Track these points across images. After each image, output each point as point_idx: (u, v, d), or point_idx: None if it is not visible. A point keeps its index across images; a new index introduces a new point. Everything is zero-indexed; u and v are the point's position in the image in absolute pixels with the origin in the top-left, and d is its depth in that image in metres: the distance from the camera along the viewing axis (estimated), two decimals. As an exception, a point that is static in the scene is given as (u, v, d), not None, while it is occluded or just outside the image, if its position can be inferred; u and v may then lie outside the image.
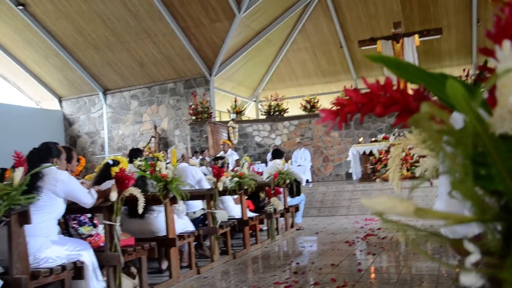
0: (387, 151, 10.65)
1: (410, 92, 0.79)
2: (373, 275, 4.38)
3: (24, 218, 3.02)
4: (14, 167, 3.21)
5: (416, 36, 13.11)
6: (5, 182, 3.04)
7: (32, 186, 3.24)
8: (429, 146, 0.64)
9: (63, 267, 3.26)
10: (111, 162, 4.19)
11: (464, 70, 12.95)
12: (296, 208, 7.97)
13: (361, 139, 12.59)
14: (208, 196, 5.37)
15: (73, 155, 4.05)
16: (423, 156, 1.60)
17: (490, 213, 0.57)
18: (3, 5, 13.98)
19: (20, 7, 13.97)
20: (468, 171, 0.58)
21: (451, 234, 0.84)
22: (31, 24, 14.53)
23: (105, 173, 4.10)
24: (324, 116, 0.78)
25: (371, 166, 11.21)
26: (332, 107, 0.78)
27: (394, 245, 5.84)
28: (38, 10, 14.21)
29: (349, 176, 13.07)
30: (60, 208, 3.45)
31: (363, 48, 14.21)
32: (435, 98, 0.78)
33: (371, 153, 11.32)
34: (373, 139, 12.05)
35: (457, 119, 0.71)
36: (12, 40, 15.49)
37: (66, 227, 4.01)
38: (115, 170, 3.81)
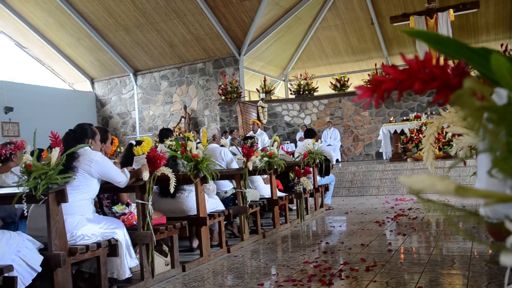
0: (419, 130, 10.45)
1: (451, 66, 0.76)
2: (403, 256, 4.34)
3: (61, 196, 3.10)
4: (50, 148, 3.29)
5: (451, 10, 12.67)
6: (42, 162, 3.12)
7: (68, 166, 3.32)
8: (470, 124, 0.62)
9: (98, 245, 3.35)
10: (134, 142, 4.25)
11: (502, 45, 12.50)
12: (326, 188, 7.95)
13: (392, 118, 12.37)
14: (238, 175, 5.40)
15: (108, 136, 4.13)
16: (459, 135, 1.55)
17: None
18: (36, -12, 14.23)
19: (53, -10, 14.19)
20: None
21: (491, 214, 0.81)
22: (64, 7, 14.74)
23: (129, 154, 4.17)
24: (360, 93, 0.76)
25: (402, 146, 11.03)
26: (367, 84, 0.76)
27: (424, 226, 5.77)
28: (69, -8, 14.39)
29: (379, 155, 12.92)
30: (94, 188, 3.53)
31: (395, 24, 13.87)
32: (475, 73, 0.74)
33: (402, 132, 11.13)
34: (405, 118, 11.83)
35: (501, 95, 0.68)
36: (46, 23, 15.78)
37: (100, 205, 4.11)
38: (137, 150, 3.87)
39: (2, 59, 17.74)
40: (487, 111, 0.58)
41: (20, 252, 2.91)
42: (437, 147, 10.13)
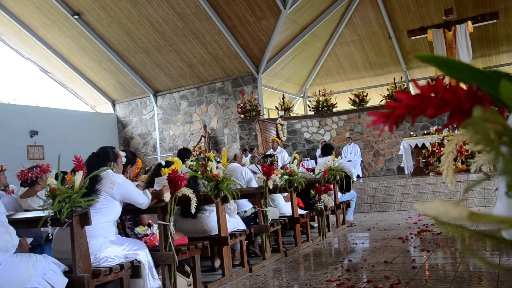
0: (441, 144, 10.32)
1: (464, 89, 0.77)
2: (428, 273, 4.26)
3: (85, 219, 3.16)
4: (74, 171, 3.36)
5: (470, 22, 12.56)
6: (66, 185, 3.19)
7: (91, 189, 3.38)
8: (484, 148, 0.63)
9: (121, 266, 3.38)
10: (163, 163, 4.31)
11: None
12: (347, 204, 7.88)
13: (412, 132, 12.25)
14: (259, 194, 5.41)
15: (136, 160, 4.22)
16: (478, 152, 1.54)
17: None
18: (60, 16, 14.67)
19: (76, 17, 14.61)
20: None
21: (508, 236, 0.81)
22: (86, 32, 15.15)
23: (156, 174, 4.22)
24: (375, 119, 0.77)
25: (424, 160, 10.90)
26: (386, 99, 0.77)
27: (449, 241, 5.66)
28: (91, 18, 14.79)
29: (400, 170, 12.78)
30: (117, 210, 3.58)
31: (412, 38, 13.83)
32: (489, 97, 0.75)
33: (423, 146, 11.01)
34: (425, 131, 11.70)
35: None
36: (69, 49, 16.21)
37: (123, 227, 4.16)
38: (165, 171, 3.91)
39: (28, 85, 18.26)
40: (499, 135, 0.58)
41: (46, 275, 2.96)
42: (460, 160, 9.98)
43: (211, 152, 13.40)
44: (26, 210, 4.05)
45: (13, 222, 3.01)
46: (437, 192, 9.34)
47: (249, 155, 13.03)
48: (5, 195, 4.04)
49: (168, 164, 4.20)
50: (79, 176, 3.17)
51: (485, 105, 0.70)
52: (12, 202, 3.94)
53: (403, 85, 13.80)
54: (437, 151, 10.37)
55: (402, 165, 12.04)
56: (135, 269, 3.49)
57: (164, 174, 3.91)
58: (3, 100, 25.45)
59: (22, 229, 3.53)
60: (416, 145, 11.13)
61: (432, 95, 0.73)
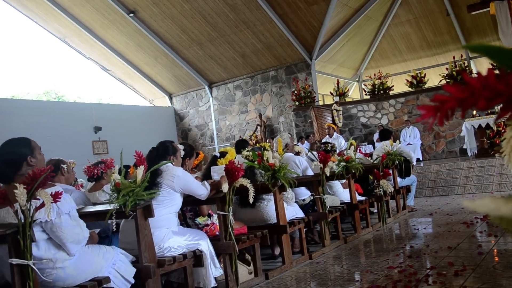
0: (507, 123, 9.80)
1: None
2: (496, 259, 4.10)
3: (148, 211, 3.30)
4: (136, 165, 3.52)
5: (538, -10, 11.76)
6: (129, 180, 3.34)
7: (153, 182, 3.53)
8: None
9: (184, 256, 3.52)
10: (218, 155, 4.40)
11: None
12: (408, 189, 7.70)
13: (475, 112, 11.71)
14: (316, 182, 5.40)
15: (193, 153, 4.36)
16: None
17: None
18: (117, 15, 15.20)
19: (131, 15, 15.08)
20: None
21: None
22: (141, 29, 15.61)
23: (213, 166, 4.33)
24: (424, 113, 0.77)
25: (489, 140, 10.40)
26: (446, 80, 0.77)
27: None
28: (146, 15, 15.21)
29: (463, 152, 12.27)
30: (178, 202, 3.72)
31: (473, 13, 13.15)
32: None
33: (487, 126, 10.50)
34: (489, 111, 11.14)
35: None
36: (126, 46, 16.79)
37: (184, 218, 4.31)
38: (221, 162, 4.00)
39: (90, 83, 19.15)
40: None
41: (115, 265, 3.13)
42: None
43: (267, 141, 13.48)
44: (94, 204, 4.27)
45: (83, 216, 3.20)
46: (504, 174, 8.91)
47: (306, 142, 13.00)
48: (75, 190, 4.29)
49: (223, 154, 4.29)
50: (140, 171, 3.32)
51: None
52: (81, 196, 4.18)
53: (464, 63, 13.16)
54: (503, 130, 9.87)
55: (464, 147, 11.56)
56: (197, 258, 3.62)
57: (220, 164, 4.01)
58: (69, 98, 26.81)
59: (91, 222, 3.73)
60: (480, 126, 10.63)
61: (483, 86, 0.72)
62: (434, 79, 15.34)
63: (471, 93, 0.73)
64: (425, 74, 13.98)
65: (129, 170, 3.96)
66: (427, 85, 13.96)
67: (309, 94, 14.66)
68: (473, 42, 0.67)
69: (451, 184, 9.54)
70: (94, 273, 2.98)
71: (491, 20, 14.53)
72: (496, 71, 0.74)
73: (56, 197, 2.56)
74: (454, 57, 13.33)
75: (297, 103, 14.84)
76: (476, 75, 0.73)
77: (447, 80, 12.79)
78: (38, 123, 13.79)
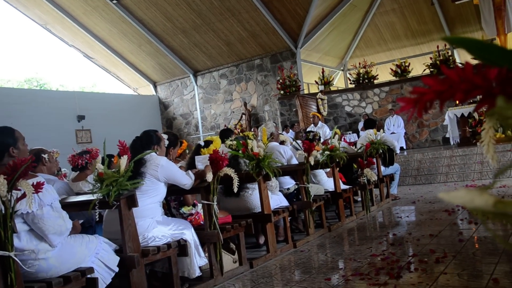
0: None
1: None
2: (476, 245, 4.19)
3: (132, 201, 3.29)
4: (119, 155, 3.49)
5: (522, -21, 11.84)
6: (112, 170, 3.32)
7: (136, 172, 3.51)
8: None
9: (168, 245, 3.52)
10: (202, 143, 4.39)
11: None
12: (391, 177, 7.78)
13: (458, 101, 11.82)
14: (300, 171, 5.43)
15: (177, 142, 4.33)
16: None
17: None
18: (100, 2, 14.97)
19: (114, 1, 14.86)
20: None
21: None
22: (125, 16, 15.40)
23: (197, 155, 4.32)
24: (403, 105, 0.77)
25: (471, 129, 10.55)
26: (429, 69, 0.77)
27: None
28: (130, 2, 15.00)
29: (446, 141, 12.42)
30: (162, 191, 3.71)
31: (457, 2, 13.21)
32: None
33: (470, 115, 10.63)
34: (472, 100, 11.27)
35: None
36: (109, 33, 16.56)
37: (169, 207, 4.30)
38: (205, 151, 4.00)
39: (73, 71, 18.88)
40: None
41: (98, 254, 3.12)
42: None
43: (252, 129, 13.47)
44: (78, 193, 4.24)
45: (66, 206, 3.17)
46: (485, 163, 9.05)
47: (291, 131, 13.03)
48: (58, 180, 4.24)
49: (207, 143, 4.28)
50: (124, 160, 3.29)
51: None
52: (64, 186, 4.14)
53: (447, 52, 13.27)
54: (484, 120, 9.98)
55: (447, 135, 11.71)
56: (182, 248, 3.62)
57: (204, 154, 4.00)
58: (52, 87, 26.42)
59: (75, 212, 3.71)
60: (462, 115, 10.76)
61: (461, 79, 0.73)
62: (418, 68, 15.46)
63: (449, 85, 0.73)
64: (409, 64, 14.08)
65: (112, 159, 3.93)
66: (411, 74, 14.07)
67: (294, 82, 14.66)
68: (451, 35, 0.68)
69: (433, 172, 9.67)
70: (77, 263, 2.97)
71: (474, 10, 14.65)
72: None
73: (37, 187, 2.53)
74: (438, 47, 13.43)
75: (282, 92, 14.83)
76: (454, 67, 0.74)
77: (431, 70, 12.89)
78: (20, 111, 13.58)
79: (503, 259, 3.60)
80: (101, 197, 3.23)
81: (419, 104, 0.76)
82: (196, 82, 17.99)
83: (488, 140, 1.59)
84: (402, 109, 0.78)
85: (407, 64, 13.93)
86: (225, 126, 16.05)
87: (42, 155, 4.05)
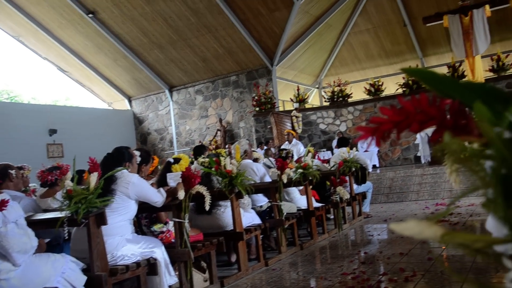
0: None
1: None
2: (446, 264, 4.25)
3: (101, 219, 3.23)
4: (90, 172, 3.44)
5: (487, 6, 12.24)
6: (82, 187, 3.27)
7: (107, 189, 3.46)
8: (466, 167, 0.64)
9: (137, 264, 3.46)
10: (172, 160, 4.37)
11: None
12: (363, 196, 7.86)
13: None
14: (273, 188, 5.44)
15: (150, 159, 4.29)
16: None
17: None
18: (75, 15, 14.85)
19: (90, 15, 14.76)
20: (498, 192, 0.58)
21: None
22: (100, 30, 15.31)
23: (167, 172, 4.29)
24: (362, 134, 0.79)
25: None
26: (368, 125, 0.79)
27: (467, 231, 5.62)
28: (106, 16, 14.92)
29: (418, 159, 12.66)
30: (132, 209, 3.66)
31: (428, 25, 13.61)
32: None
33: (441, 135, 10.85)
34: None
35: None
36: (84, 47, 16.41)
37: (139, 225, 4.24)
38: (175, 168, 3.97)
39: (46, 84, 18.58)
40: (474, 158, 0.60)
41: (64, 273, 3.04)
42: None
43: (226, 146, 13.46)
44: (46, 210, 4.15)
45: (32, 223, 3.10)
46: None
47: (265, 147, 13.05)
48: (25, 197, 4.14)
49: (177, 160, 4.26)
50: (94, 177, 3.24)
51: (469, 120, 0.71)
52: (31, 203, 4.04)
53: (419, 73, 13.56)
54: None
55: (418, 154, 11.93)
56: (151, 266, 3.57)
57: (175, 170, 3.97)
58: (23, 99, 25.92)
59: (42, 230, 3.62)
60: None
61: (417, 110, 0.75)
62: (391, 87, 15.77)
63: (405, 116, 0.76)
64: (382, 83, 14.34)
65: (83, 175, 3.87)
66: (384, 93, 14.33)
67: (269, 100, 14.75)
68: (409, 67, 0.70)
69: (405, 190, 9.81)
70: (42, 283, 2.89)
71: (445, 32, 15.09)
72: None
73: (2, 205, 2.47)
74: (410, 66, 13.67)
75: (257, 109, 14.89)
76: (410, 99, 0.76)
77: (404, 89, 13.17)
78: (-11, 124, 13.26)
79: (469, 277, 3.66)
80: (70, 215, 3.16)
81: (377, 133, 0.78)
82: (171, 98, 17.92)
83: (451, 169, 1.62)
84: (360, 138, 0.80)
85: (380, 83, 14.19)
86: (199, 142, 15.98)
87: (9, 171, 3.96)
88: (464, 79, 12.56)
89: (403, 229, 0.58)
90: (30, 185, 6.42)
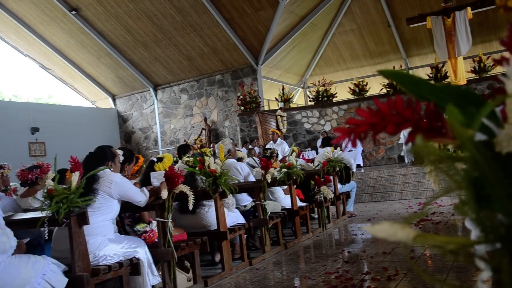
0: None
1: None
2: (429, 262, 4.30)
3: (83, 219, 3.20)
4: (72, 171, 3.40)
5: (469, 8, 12.47)
6: (63, 186, 3.23)
7: (89, 188, 3.42)
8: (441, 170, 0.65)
9: (120, 264, 3.43)
10: (155, 159, 4.35)
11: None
12: (347, 195, 7.91)
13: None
14: (257, 188, 5.44)
15: (133, 158, 4.26)
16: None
17: (493, 236, 0.58)
18: (58, 12, 14.65)
19: (73, 12, 14.58)
20: (470, 194, 0.59)
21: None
22: (84, 27, 15.14)
23: (150, 171, 4.27)
24: (339, 136, 0.80)
25: (425, 149, 10.87)
26: (346, 126, 0.80)
27: (450, 230, 5.70)
28: (89, 13, 14.76)
29: (402, 159, 12.79)
30: (115, 209, 3.63)
31: (411, 26, 13.76)
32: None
33: (424, 135, 10.97)
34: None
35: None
36: (67, 44, 16.21)
37: (122, 225, 4.21)
38: (158, 167, 3.95)
39: (28, 82, 18.34)
40: (445, 161, 0.61)
41: (45, 275, 3.00)
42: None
43: (211, 145, 13.42)
44: (27, 210, 4.09)
45: (12, 223, 3.06)
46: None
47: (250, 146, 13.06)
48: (5, 196, 4.08)
49: (160, 159, 4.24)
50: (75, 177, 3.21)
51: (444, 123, 0.72)
52: (11, 203, 3.98)
53: (403, 73, 13.70)
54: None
55: (402, 154, 12.04)
56: (134, 266, 3.54)
57: (158, 169, 3.95)
58: (4, 97, 25.54)
59: (22, 230, 3.57)
60: (416, 134, 11.08)
61: (392, 112, 0.76)
62: (375, 87, 15.89)
63: (381, 118, 0.76)
64: (367, 83, 14.45)
65: (66, 174, 3.82)
66: (368, 93, 14.43)
67: (254, 99, 14.75)
68: (386, 69, 0.71)
69: (389, 190, 9.90)
70: (22, 284, 2.85)
71: (428, 33, 15.27)
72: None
73: (-20, 205, 2.43)
74: (394, 67, 13.88)
75: (242, 108, 14.89)
76: (386, 100, 0.77)
77: (388, 89, 13.28)
78: (-31, 122, 13.04)
79: (450, 275, 3.72)
80: (50, 214, 3.13)
81: (354, 135, 0.79)
82: (156, 96, 17.82)
83: (432, 173, 1.64)
84: (337, 140, 0.81)
85: (365, 83, 14.30)
86: (184, 141, 15.92)
87: (-11, 170, 3.90)
88: (446, 80, 12.73)
89: (377, 231, 0.58)
90: (11, 184, 6.34)
